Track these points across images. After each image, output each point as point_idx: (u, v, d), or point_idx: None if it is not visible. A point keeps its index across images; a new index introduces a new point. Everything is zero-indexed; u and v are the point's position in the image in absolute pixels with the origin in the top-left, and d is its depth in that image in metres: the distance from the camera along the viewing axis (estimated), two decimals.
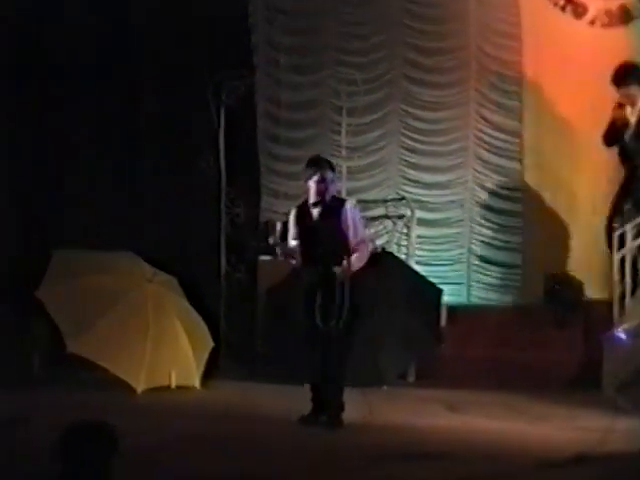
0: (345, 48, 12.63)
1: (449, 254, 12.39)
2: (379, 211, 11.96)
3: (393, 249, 11.41)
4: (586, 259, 11.30)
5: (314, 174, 8.18)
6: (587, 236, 11.07)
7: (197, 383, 9.90)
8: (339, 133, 12.54)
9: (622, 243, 10.02)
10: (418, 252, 11.96)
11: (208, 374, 10.04)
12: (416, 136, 12.49)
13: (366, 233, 8.53)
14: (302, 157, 10.45)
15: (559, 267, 11.35)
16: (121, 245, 10.67)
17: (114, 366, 9.48)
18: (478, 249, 12.29)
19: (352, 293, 8.00)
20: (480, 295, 12.17)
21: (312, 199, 8.23)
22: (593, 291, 11.03)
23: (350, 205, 8.29)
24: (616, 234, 10.13)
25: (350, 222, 8.14)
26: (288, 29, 12.69)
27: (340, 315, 7.97)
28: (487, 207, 12.29)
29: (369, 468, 6.55)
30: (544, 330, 10.50)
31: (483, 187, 12.32)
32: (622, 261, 9.92)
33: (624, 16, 11.50)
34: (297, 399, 8.33)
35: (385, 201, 11.97)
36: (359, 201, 12.05)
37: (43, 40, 12.11)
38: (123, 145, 12.49)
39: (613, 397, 7.88)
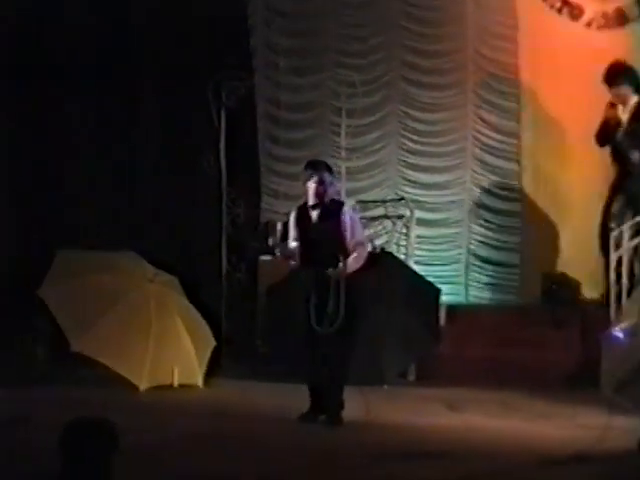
0: (344, 50, 12.62)
1: (448, 254, 12.38)
2: (378, 211, 11.94)
3: (392, 249, 11.39)
4: (583, 259, 11.26)
5: (312, 176, 8.18)
6: (584, 236, 11.04)
7: (199, 381, 9.88)
8: (338, 134, 12.52)
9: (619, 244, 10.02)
10: (417, 252, 11.93)
11: (210, 373, 10.02)
12: (415, 137, 12.48)
13: (364, 235, 8.48)
14: (302, 158, 10.44)
15: (556, 267, 11.32)
16: (122, 245, 10.66)
17: (117, 364, 9.46)
18: (476, 249, 12.27)
19: (349, 294, 7.98)
20: (478, 295, 12.16)
21: (311, 201, 8.22)
22: (590, 291, 11.00)
23: (348, 208, 8.29)
24: (613, 235, 10.12)
25: (347, 224, 8.13)
26: (287, 31, 12.69)
27: (335, 317, 7.95)
28: (485, 207, 12.27)
29: (370, 466, 6.54)
30: (542, 329, 10.47)
31: (481, 187, 12.30)
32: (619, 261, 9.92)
33: (620, 18, 11.49)
34: (297, 397, 8.31)
35: (384, 201, 11.94)
36: (358, 201, 12.09)
37: (43, 40, 12.07)
38: (124, 145, 12.47)
39: (611, 395, 7.83)
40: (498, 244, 12.22)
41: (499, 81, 12.13)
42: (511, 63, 12.03)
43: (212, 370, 10.06)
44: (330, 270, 7.99)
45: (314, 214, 8.23)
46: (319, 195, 8.15)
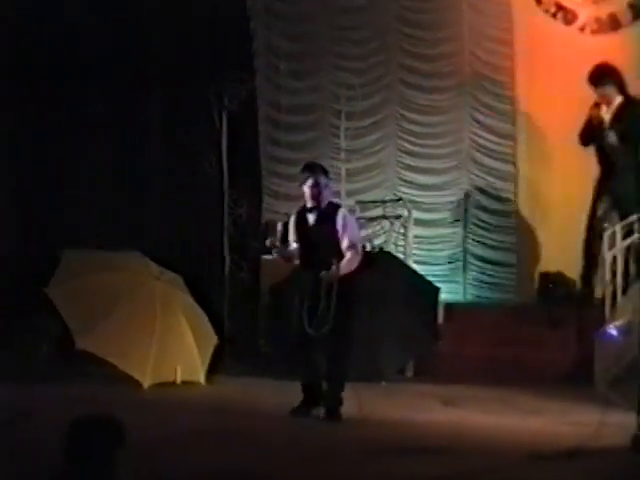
0: (343, 54, 12.62)
1: (445, 253, 12.37)
2: (377, 212, 11.96)
3: (391, 249, 11.40)
4: (580, 259, 11.23)
5: (308, 179, 8.17)
6: (580, 235, 11.01)
7: (202, 379, 9.87)
8: (338, 136, 12.53)
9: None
10: (415, 251, 11.93)
11: (212, 370, 10.00)
12: (413, 139, 12.48)
13: (359, 238, 8.46)
14: (302, 159, 10.43)
15: (553, 266, 11.30)
16: (127, 245, 10.65)
17: (121, 362, 9.45)
18: (473, 248, 12.26)
19: (342, 296, 7.95)
20: (476, 293, 12.15)
21: (308, 204, 8.22)
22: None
23: (343, 211, 8.27)
24: (606, 234, 10.12)
25: (341, 227, 8.12)
26: (288, 35, 12.69)
27: (325, 319, 7.94)
28: (482, 208, 12.27)
29: (368, 462, 6.52)
30: (538, 328, 10.46)
31: (478, 188, 12.29)
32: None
33: (613, 23, 11.49)
34: (298, 395, 8.28)
35: (383, 202, 11.96)
36: (357, 202, 12.11)
37: (43, 40, 12.01)
38: (126, 146, 12.47)
39: (605, 393, 7.82)
40: (495, 244, 12.22)
41: (495, 84, 12.13)
42: (506, 66, 12.04)
43: (214, 367, 10.05)
44: (323, 273, 7.99)
45: (311, 217, 8.23)
46: (314, 197, 8.16)
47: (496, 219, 12.23)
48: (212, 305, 10.78)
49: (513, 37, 11.91)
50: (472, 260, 12.24)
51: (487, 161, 12.28)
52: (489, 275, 12.18)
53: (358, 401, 8.18)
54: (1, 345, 10.40)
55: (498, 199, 12.24)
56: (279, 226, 10.42)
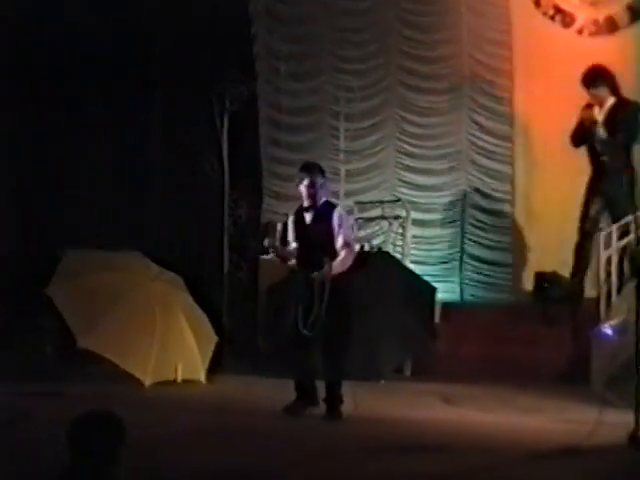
0: (343, 56, 12.62)
1: (443, 253, 12.37)
2: (376, 212, 11.99)
3: (389, 249, 11.41)
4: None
5: (304, 179, 8.17)
6: (575, 236, 11.02)
7: (202, 377, 9.87)
8: (337, 137, 12.54)
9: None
10: (413, 251, 11.95)
11: (212, 368, 10.00)
12: (411, 140, 12.48)
13: (353, 237, 8.44)
14: (302, 160, 10.39)
15: (548, 266, 11.30)
16: (127, 245, 10.65)
17: (122, 360, 9.45)
18: (470, 249, 12.27)
19: (335, 295, 7.93)
20: (473, 293, 12.15)
21: (305, 203, 8.22)
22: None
23: (339, 210, 8.25)
24: (602, 235, 10.13)
25: (336, 226, 8.11)
26: (288, 38, 12.68)
27: (320, 318, 7.93)
28: (479, 208, 12.28)
29: (368, 460, 6.51)
30: (534, 327, 10.46)
31: (476, 189, 12.30)
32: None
33: (610, 26, 11.50)
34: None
35: (381, 202, 11.99)
36: (357, 202, 12.12)
37: (43, 40, 11.98)
38: (127, 147, 12.45)
39: (601, 391, 7.83)
40: (491, 244, 12.23)
41: (493, 86, 12.13)
42: (505, 68, 12.04)
43: (214, 366, 10.05)
44: (315, 273, 7.98)
45: (308, 216, 8.23)
46: (310, 197, 8.16)
47: (493, 219, 12.23)
48: (212, 304, 10.78)
49: (511, 40, 11.92)
50: (469, 260, 12.25)
51: (485, 162, 12.28)
52: (485, 275, 12.18)
53: (353, 399, 8.18)
54: (3, 345, 10.39)
55: (495, 200, 12.25)
56: (279, 226, 10.42)
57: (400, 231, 11.71)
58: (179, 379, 9.73)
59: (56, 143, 12.13)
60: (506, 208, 12.19)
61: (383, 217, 11.83)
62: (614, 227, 10.04)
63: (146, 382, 9.43)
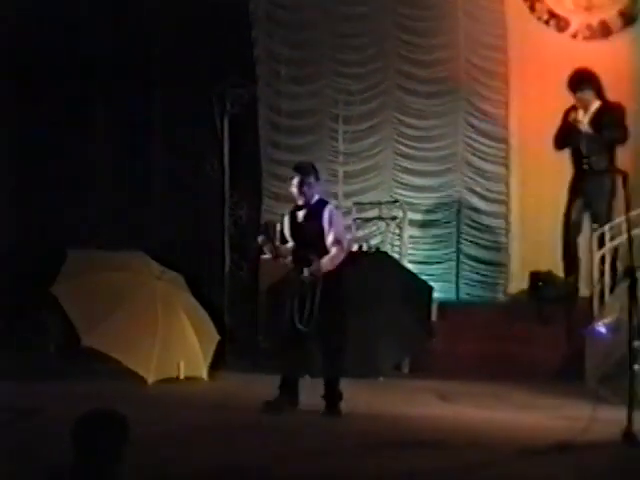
0: (342, 60, 12.62)
1: (439, 253, 12.38)
2: (374, 213, 12.00)
3: (387, 249, 11.41)
4: None
5: (294, 178, 8.17)
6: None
7: (204, 374, 9.87)
8: (336, 140, 12.53)
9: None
10: (410, 251, 11.96)
11: (214, 366, 9.99)
12: (409, 142, 12.49)
13: (343, 234, 8.39)
14: None
15: (543, 265, 11.30)
16: (130, 245, 10.63)
17: (126, 358, 9.44)
18: (466, 248, 12.28)
19: (328, 292, 7.92)
20: (469, 292, 12.15)
21: (298, 202, 8.22)
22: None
23: (329, 207, 8.23)
24: (595, 234, 10.14)
25: (326, 223, 8.09)
26: (288, 42, 12.67)
27: (310, 314, 7.91)
28: (475, 209, 12.29)
29: (366, 456, 6.51)
30: (529, 325, 10.46)
31: (471, 190, 12.31)
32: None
33: (604, 30, 11.52)
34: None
35: (379, 203, 12.00)
36: (355, 203, 12.12)
37: (43, 40, 11.92)
38: (128, 147, 12.43)
39: (595, 388, 7.83)
40: (487, 244, 12.24)
41: (489, 89, 12.14)
42: (500, 72, 12.05)
43: (216, 364, 10.04)
44: (305, 270, 7.97)
45: (300, 215, 8.23)
46: (301, 195, 8.16)
47: (488, 220, 12.25)
48: (213, 304, 10.76)
49: (507, 44, 11.93)
50: (465, 260, 12.25)
51: (480, 164, 12.29)
52: (481, 274, 12.19)
53: (352, 396, 8.18)
54: (7, 344, 10.37)
55: (490, 200, 12.26)
56: (278, 226, 10.41)
57: (397, 231, 11.72)
58: (181, 376, 9.72)
59: (56, 143, 12.07)
60: (501, 209, 12.21)
61: (381, 218, 11.84)
62: (607, 227, 10.04)
63: (149, 379, 9.42)
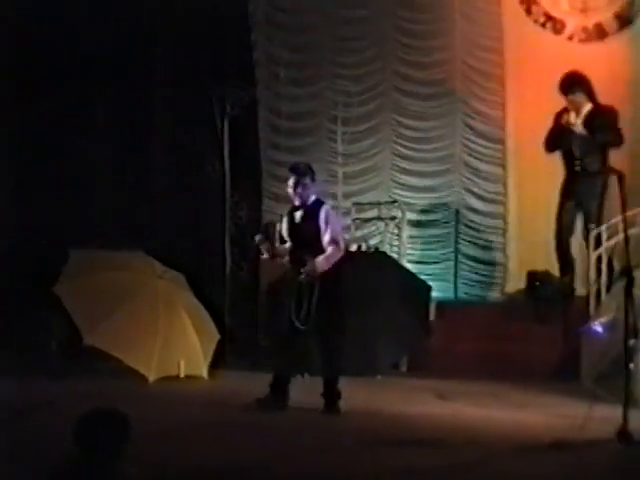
0: (341, 62, 12.62)
1: (437, 253, 12.37)
2: (373, 213, 12.00)
3: (386, 249, 11.41)
4: None
5: (289, 179, 8.18)
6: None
7: (204, 373, 9.87)
8: (335, 141, 12.53)
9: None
10: (409, 251, 11.96)
11: (214, 365, 9.99)
12: (407, 143, 12.48)
13: (339, 234, 8.36)
14: None
15: (540, 265, 11.30)
16: (130, 246, 10.62)
17: (127, 357, 9.45)
18: (464, 248, 12.27)
19: (325, 291, 7.91)
20: (467, 291, 12.15)
21: (295, 202, 8.22)
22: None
23: (326, 207, 8.23)
24: (592, 234, 10.13)
25: (322, 223, 8.08)
26: (287, 45, 12.67)
27: (308, 314, 7.91)
28: (472, 209, 12.28)
29: (364, 454, 6.50)
30: (526, 324, 10.45)
31: (469, 191, 12.30)
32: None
33: (600, 33, 11.50)
34: (295, 389, 8.27)
35: (378, 204, 12.00)
36: (354, 204, 12.12)
37: (43, 40, 11.88)
38: (129, 148, 12.41)
39: (591, 387, 7.83)
40: (485, 244, 12.23)
41: (486, 91, 12.13)
42: (497, 74, 12.04)
43: (216, 362, 10.03)
44: (301, 270, 7.97)
45: (297, 215, 8.23)
46: (297, 196, 8.16)
47: (485, 220, 12.24)
48: (213, 304, 10.76)
49: (503, 46, 11.91)
50: (463, 259, 12.25)
51: (477, 164, 12.29)
52: (479, 274, 12.18)
53: (350, 395, 8.17)
54: (8, 343, 10.35)
55: (487, 201, 12.25)
56: (278, 227, 10.41)
57: (396, 231, 11.72)
58: (182, 375, 9.72)
59: (56, 143, 12.03)
60: (498, 209, 12.20)
61: (380, 218, 11.84)
62: (604, 227, 10.04)
63: (150, 378, 9.42)
